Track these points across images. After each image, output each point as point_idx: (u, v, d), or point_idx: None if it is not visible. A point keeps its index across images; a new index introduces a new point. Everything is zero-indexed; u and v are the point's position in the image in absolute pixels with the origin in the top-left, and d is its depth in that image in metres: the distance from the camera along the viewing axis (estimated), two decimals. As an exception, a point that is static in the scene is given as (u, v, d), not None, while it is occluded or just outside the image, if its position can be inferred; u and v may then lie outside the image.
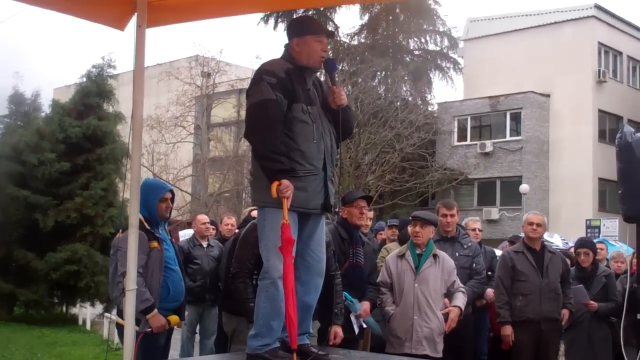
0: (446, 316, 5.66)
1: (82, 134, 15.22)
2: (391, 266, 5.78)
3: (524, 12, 32.18)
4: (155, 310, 4.79)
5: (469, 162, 30.20)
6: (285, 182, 3.70)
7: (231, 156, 29.40)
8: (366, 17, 34.00)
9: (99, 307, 15.19)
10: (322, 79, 4.36)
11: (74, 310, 16.31)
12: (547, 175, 30.36)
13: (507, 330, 6.44)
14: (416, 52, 34.83)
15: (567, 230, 20.39)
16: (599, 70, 30.58)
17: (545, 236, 8.08)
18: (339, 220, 5.67)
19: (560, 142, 29.99)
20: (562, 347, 7.23)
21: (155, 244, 4.91)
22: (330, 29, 25.51)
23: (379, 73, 31.57)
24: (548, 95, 30.73)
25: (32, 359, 10.38)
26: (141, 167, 4.98)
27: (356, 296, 5.57)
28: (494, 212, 29.59)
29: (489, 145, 30.36)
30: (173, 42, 68.66)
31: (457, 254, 6.37)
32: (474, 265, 6.57)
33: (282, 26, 33.18)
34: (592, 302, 7.18)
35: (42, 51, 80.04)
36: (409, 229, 5.99)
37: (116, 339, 7.07)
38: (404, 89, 32.41)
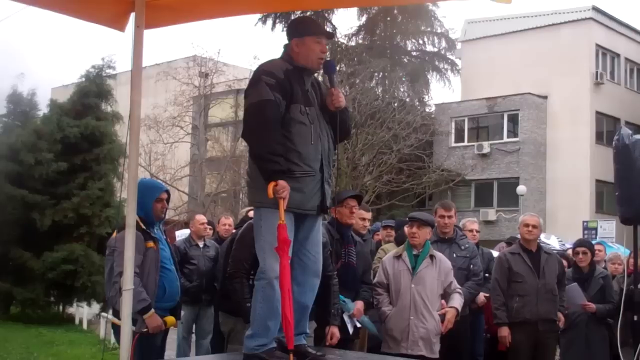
0: (443, 317, 5.67)
1: (80, 134, 15.19)
2: (388, 267, 5.78)
3: (522, 13, 32.09)
4: (152, 311, 4.80)
5: (466, 164, 30.18)
6: (282, 182, 3.70)
7: (228, 156, 29.34)
8: (364, 18, 34.04)
9: (96, 307, 15.20)
10: (320, 79, 4.35)
11: (71, 309, 16.28)
12: (544, 177, 30.34)
13: (504, 331, 6.45)
14: (414, 54, 34.90)
15: (564, 232, 20.35)
16: (597, 72, 30.59)
17: (542, 238, 8.08)
18: (330, 220, 5.65)
19: (558, 144, 29.98)
20: (557, 351, 7.24)
21: (151, 243, 4.91)
22: (328, 30, 25.48)
23: (376, 74, 31.56)
24: (545, 97, 30.73)
25: (29, 358, 10.36)
26: (138, 167, 4.97)
27: (349, 296, 5.57)
28: (491, 214, 29.55)
29: (486, 147, 30.33)
30: (171, 42, 68.75)
31: (454, 255, 6.37)
32: (472, 266, 6.57)
33: (279, 27, 33.26)
34: (590, 303, 7.19)
35: (39, 51, 79.92)
36: (406, 229, 5.99)
37: (112, 339, 7.08)
38: (402, 90, 32.45)
